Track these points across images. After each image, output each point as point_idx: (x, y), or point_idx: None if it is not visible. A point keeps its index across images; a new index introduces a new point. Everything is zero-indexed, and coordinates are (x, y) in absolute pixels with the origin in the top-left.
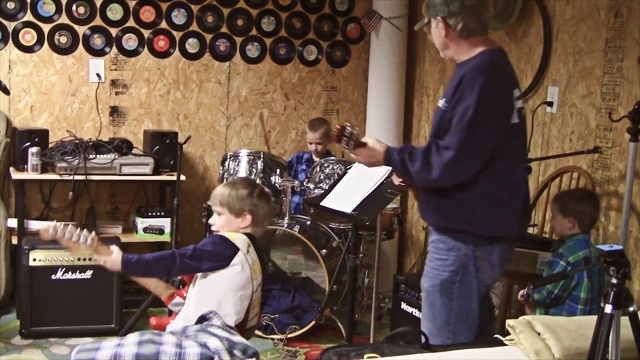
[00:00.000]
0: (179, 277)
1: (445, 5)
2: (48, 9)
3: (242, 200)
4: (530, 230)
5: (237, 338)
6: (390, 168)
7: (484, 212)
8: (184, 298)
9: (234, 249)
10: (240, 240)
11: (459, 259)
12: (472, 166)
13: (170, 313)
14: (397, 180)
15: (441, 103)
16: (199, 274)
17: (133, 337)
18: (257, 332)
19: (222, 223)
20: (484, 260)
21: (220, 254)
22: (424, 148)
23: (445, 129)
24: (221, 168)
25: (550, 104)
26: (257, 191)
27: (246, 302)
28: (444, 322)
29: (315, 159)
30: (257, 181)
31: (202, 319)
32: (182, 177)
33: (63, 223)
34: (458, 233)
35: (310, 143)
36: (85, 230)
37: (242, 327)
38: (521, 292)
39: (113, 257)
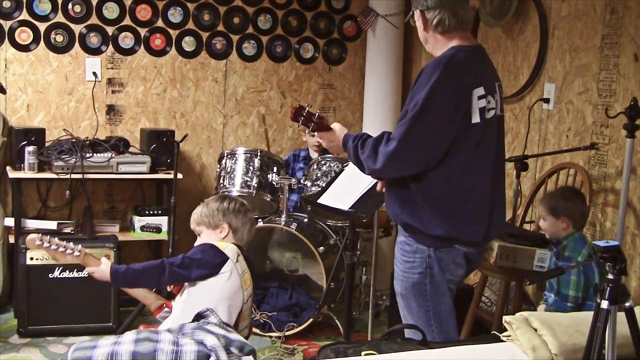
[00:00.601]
0: (169, 289)
1: (427, 3)
2: (44, 7)
3: (214, 213)
4: (527, 226)
5: (234, 335)
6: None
7: (435, 213)
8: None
9: (223, 257)
10: (229, 249)
11: (424, 261)
12: (414, 159)
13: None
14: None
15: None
16: (187, 283)
17: (130, 335)
18: (255, 329)
19: (204, 240)
20: (448, 260)
21: (209, 262)
22: (376, 137)
23: None
24: (218, 166)
25: (547, 100)
26: (227, 202)
27: (235, 313)
28: (425, 323)
29: (314, 155)
30: (255, 179)
31: (199, 317)
32: (179, 176)
33: (49, 234)
34: (417, 234)
35: (313, 136)
36: (72, 242)
37: None
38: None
39: (102, 268)
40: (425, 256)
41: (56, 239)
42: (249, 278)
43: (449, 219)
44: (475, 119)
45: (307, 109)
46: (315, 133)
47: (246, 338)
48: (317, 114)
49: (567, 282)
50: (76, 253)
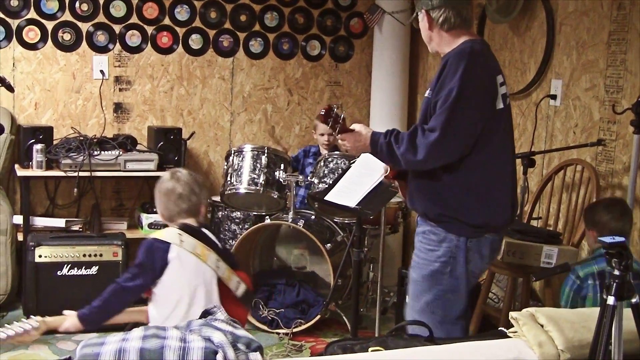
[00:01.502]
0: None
1: (432, 3)
2: (51, 6)
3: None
4: (534, 223)
5: (241, 332)
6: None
7: (471, 201)
8: None
9: (165, 246)
10: (168, 235)
11: (450, 251)
12: (457, 147)
13: None
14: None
15: (427, 93)
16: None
17: (137, 332)
18: (262, 326)
19: None
20: (475, 251)
21: (151, 263)
22: (410, 131)
23: (431, 115)
24: (225, 163)
25: (554, 97)
26: (156, 193)
27: (213, 284)
28: (431, 312)
29: (324, 151)
30: (262, 177)
31: (206, 313)
32: None
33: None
34: (450, 223)
35: (322, 135)
36: (23, 318)
37: (228, 302)
38: None
39: (70, 320)
40: (453, 246)
41: (9, 327)
42: (204, 249)
43: (486, 205)
44: (500, 104)
45: (335, 110)
46: (339, 135)
47: (250, 293)
48: (342, 116)
49: (563, 290)
50: (34, 325)
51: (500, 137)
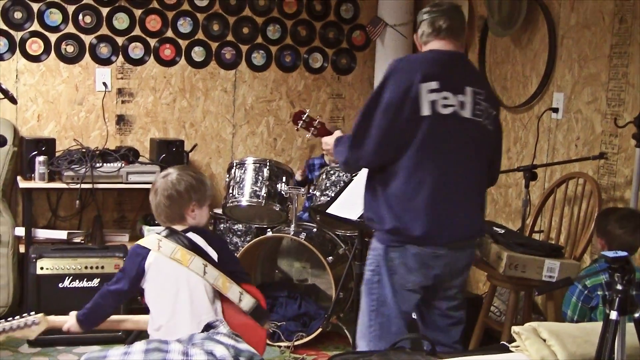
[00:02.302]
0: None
1: (417, 19)
2: (55, 18)
3: None
4: (536, 236)
5: (243, 346)
6: None
7: (387, 208)
8: None
9: (143, 252)
10: (148, 241)
11: (376, 259)
12: (368, 153)
13: None
14: None
15: None
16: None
17: (140, 345)
18: None
19: None
20: (399, 263)
21: (130, 266)
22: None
23: None
24: (227, 176)
25: (556, 110)
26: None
27: (200, 290)
28: (367, 324)
29: (327, 158)
30: (264, 189)
31: (209, 327)
32: None
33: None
34: (376, 231)
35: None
36: (26, 314)
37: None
38: None
39: (71, 320)
40: (377, 254)
41: (11, 320)
42: (185, 253)
43: (400, 212)
44: (425, 111)
45: (306, 113)
46: (323, 139)
47: (261, 309)
48: (317, 120)
49: (567, 300)
50: (36, 320)
51: (422, 145)
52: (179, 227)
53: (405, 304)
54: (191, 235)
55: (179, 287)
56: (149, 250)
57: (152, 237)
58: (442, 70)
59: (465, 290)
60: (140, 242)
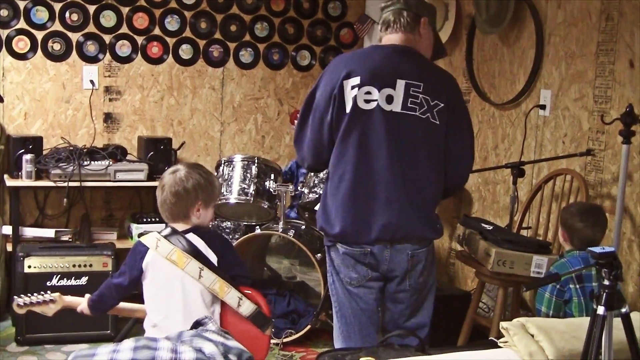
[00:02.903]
0: None
1: None
2: (41, 16)
3: None
4: (524, 232)
5: (233, 343)
6: None
7: (323, 206)
8: None
9: (143, 249)
10: (148, 239)
11: (327, 261)
12: (306, 153)
13: None
14: None
15: None
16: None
17: (128, 343)
18: None
19: None
20: (338, 261)
21: (130, 262)
22: None
23: None
24: (215, 173)
25: (543, 107)
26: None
27: (193, 298)
28: (336, 325)
29: None
30: (252, 187)
31: (197, 324)
32: None
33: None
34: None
35: None
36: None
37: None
38: None
39: (84, 304)
40: (327, 256)
41: (30, 296)
42: (182, 255)
43: (327, 211)
44: (348, 108)
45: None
46: None
47: (257, 307)
48: None
49: (540, 297)
50: (52, 298)
51: (343, 141)
52: (181, 226)
53: (359, 301)
54: (191, 236)
55: (173, 288)
56: (148, 248)
57: (152, 236)
58: (370, 65)
59: (453, 287)
60: (142, 239)
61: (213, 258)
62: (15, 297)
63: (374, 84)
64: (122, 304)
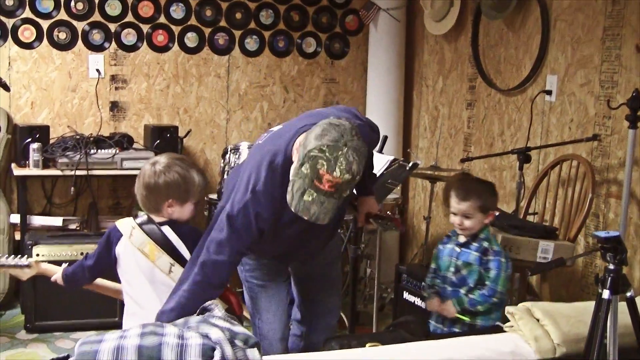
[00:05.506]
0: None
1: None
2: (47, 5)
3: None
4: (530, 218)
5: (239, 328)
6: (390, 158)
7: None
8: None
9: (117, 234)
10: (123, 224)
11: None
12: None
13: None
14: None
15: None
16: None
17: (135, 330)
18: None
19: None
20: None
21: (101, 244)
22: None
23: None
24: (222, 161)
25: (549, 92)
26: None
27: (164, 290)
28: None
29: None
30: None
31: (204, 310)
32: None
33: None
34: None
35: None
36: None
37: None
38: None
39: (58, 274)
40: None
41: (5, 256)
42: (154, 248)
43: None
44: None
45: None
46: None
47: (230, 310)
48: None
49: (497, 277)
50: (25, 262)
51: None
52: (156, 218)
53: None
54: (166, 229)
55: (143, 279)
56: (122, 235)
57: (128, 223)
58: None
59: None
60: (118, 223)
61: (186, 254)
62: None
63: None
64: (100, 282)
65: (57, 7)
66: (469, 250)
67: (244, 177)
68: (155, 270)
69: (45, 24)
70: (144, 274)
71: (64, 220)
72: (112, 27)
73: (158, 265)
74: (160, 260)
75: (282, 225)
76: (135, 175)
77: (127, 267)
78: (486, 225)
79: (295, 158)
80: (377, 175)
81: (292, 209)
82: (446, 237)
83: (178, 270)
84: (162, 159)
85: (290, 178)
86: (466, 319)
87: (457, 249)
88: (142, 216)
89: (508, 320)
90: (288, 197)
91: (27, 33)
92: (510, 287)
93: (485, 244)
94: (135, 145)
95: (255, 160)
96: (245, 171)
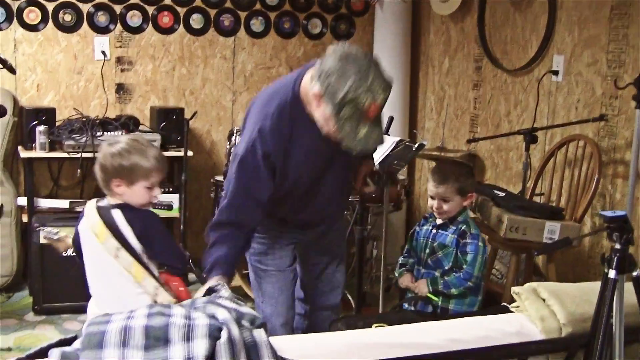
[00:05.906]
0: None
1: None
2: None
3: None
4: (537, 199)
5: (245, 309)
6: (396, 139)
7: None
8: None
9: (82, 214)
10: (88, 203)
11: None
12: None
13: None
14: None
15: None
16: None
17: (142, 310)
18: None
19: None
20: None
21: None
22: None
23: None
24: (228, 143)
25: (556, 72)
26: None
27: (115, 276)
28: None
29: None
30: None
31: (211, 291)
32: (190, 153)
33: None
34: None
35: None
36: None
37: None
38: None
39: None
40: None
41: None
42: (103, 228)
43: None
44: None
45: None
46: None
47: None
48: None
49: (474, 261)
50: (56, 237)
51: None
52: (112, 200)
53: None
54: (115, 212)
55: (94, 260)
56: (82, 217)
57: (89, 204)
58: None
59: None
60: (87, 204)
61: (133, 240)
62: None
63: None
64: None
65: None
66: (446, 232)
67: (250, 121)
68: (104, 252)
69: (50, 6)
70: (95, 254)
71: (70, 202)
72: (118, 8)
73: (106, 248)
74: (108, 243)
75: (293, 167)
76: None
77: (84, 246)
78: (465, 208)
79: (313, 101)
80: (384, 156)
81: (354, 151)
82: (423, 219)
83: (124, 255)
84: (119, 141)
85: (333, 128)
86: (437, 299)
87: (434, 231)
88: (102, 198)
89: (484, 307)
90: (345, 142)
91: (32, 15)
92: (485, 272)
93: (464, 227)
94: (141, 127)
95: (261, 101)
96: (252, 117)
